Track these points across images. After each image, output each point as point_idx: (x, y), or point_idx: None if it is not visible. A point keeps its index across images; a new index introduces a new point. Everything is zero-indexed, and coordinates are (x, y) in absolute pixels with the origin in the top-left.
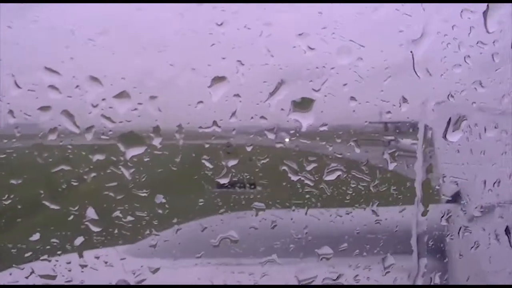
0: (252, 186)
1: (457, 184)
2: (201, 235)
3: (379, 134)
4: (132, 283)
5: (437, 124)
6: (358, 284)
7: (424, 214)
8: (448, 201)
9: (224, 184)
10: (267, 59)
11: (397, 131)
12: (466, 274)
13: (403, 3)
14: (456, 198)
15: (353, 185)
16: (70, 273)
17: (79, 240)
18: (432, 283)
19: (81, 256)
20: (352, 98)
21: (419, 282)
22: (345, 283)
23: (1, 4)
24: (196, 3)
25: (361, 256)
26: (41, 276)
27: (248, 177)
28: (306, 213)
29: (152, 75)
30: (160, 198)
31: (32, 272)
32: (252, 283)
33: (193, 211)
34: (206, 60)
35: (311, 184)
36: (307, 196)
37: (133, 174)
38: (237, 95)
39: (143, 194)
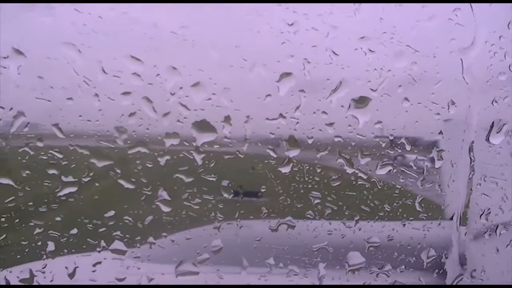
0: None
1: (496, 184)
2: None
3: None
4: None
5: (481, 127)
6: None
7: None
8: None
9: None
10: (331, 59)
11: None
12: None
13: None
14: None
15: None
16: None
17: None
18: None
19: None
20: (406, 99)
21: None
22: None
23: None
24: (274, 3)
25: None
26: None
27: None
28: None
29: (227, 68)
30: (226, 183)
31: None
32: None
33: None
34: (276, 57)
35: (364, 177)
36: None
37: (203, 159)
38: (302, 91)
39: (211, 179)
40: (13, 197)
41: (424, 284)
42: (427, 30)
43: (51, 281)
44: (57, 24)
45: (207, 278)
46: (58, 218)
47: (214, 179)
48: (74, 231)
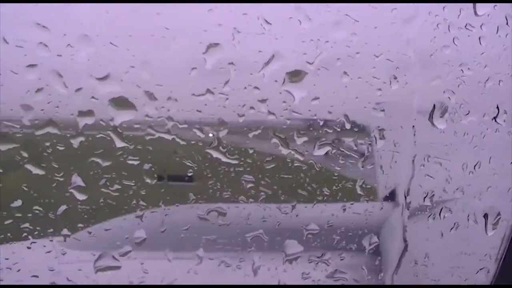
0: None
1: (440, 164)
2: None
3: None
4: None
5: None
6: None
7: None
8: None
9: None
10: (263, 28)
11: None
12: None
13: None
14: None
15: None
16: None
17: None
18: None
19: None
20: (345, 73)
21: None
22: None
23: None
24: None
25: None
26: None
27: None
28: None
29: (147, 37)
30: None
31: None
32: None
33: None
34: (202, 26)
35: (301, 158)
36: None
37: (123, 140)
38: (232, 63)
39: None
40: None
41: (366, 271)
42: None
43: None
44: None
45: (130, 273)
46: None
47: (135, 163)
48: None
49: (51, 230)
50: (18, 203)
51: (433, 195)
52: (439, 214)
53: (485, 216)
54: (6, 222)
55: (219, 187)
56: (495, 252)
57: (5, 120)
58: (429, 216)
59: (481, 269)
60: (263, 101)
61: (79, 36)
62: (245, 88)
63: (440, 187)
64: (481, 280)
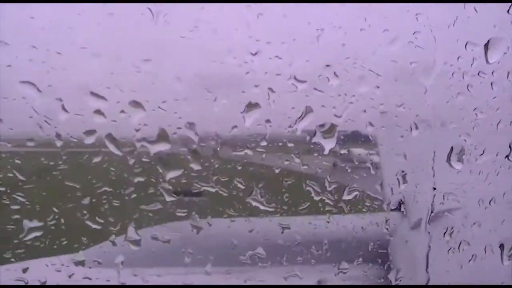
0: None
1: (458, 202)
2: None
3: None
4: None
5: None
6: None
7: None
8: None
9: None
10: (295, 86)
11: None
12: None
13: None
14: None
15: None
16: None
17: None
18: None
19: None
20: (370, 124)
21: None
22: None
23: None
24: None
25: None
26: None
27: None
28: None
29: (191, 101)
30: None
31: None
32: None
33: None
34: (241, 87)
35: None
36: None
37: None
38: (268, 121)
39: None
40: None
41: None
42: (388, 54)
43: None
44: (14, 62)
45: None
46: None
47: (183, 215)
48: None
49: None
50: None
51: (453, 231)
52: (458, 247)
53: (501, 247)
54: None
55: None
56: (509, 280)
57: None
58: (449, 249)
59: None
60: (296, 154)
61: (130, 102)
62: (280, 143)
63: (459, 222)
64: None
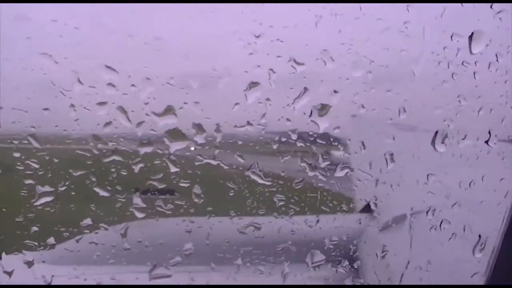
0: None
1: (440, 182)
2: None
3: None
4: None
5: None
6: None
7: None
8: None
9: None
10: (294, 68)
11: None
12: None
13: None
14: None
15: None
16: None
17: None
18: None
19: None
20: (362, 106)
21: None
22: None
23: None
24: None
25: None
26: None
27: None
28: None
29: (198, 78)
30: (197, 188)
31: None
32: None
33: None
34: (244, 67)
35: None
36: None
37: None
38: (268, 99)
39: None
40: None
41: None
42: (380, 42)
43: None
44: (33, 35)
45: (180, 280)
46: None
47: (186, 185)
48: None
49: (114, 244)
50: (87, 221)
51: (435, 209)
52: (440, 226)
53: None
54: (76, 238)
55: (255, 205)
56: (487, 258)
57: (78, 150)
58: (431, 227)
59: (475, 273)
60: (293, 130)
61: (141, 77)
62: (279, 120)
63: (441, 202)
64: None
